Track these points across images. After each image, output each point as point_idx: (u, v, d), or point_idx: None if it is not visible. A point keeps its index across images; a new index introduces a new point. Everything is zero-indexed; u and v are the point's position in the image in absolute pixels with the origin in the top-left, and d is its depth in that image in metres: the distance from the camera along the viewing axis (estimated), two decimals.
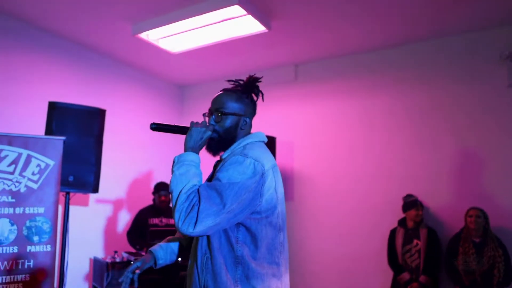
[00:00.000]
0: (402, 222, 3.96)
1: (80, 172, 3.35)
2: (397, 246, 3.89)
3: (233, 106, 1.69)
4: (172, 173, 1.54)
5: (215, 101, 1.70)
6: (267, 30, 3.94)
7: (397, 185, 4.30)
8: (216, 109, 1.68)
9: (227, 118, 1.67)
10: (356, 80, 4.77)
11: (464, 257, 3.58)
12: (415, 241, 3.81)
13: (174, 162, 1.56)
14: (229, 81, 1.79)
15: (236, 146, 1.67)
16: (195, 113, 5.94)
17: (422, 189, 4.15)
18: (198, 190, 1.47)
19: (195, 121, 1.67)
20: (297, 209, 4.98)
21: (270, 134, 4.73)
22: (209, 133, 1.63)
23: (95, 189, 3.45)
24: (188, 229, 1.41)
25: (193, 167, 1.53)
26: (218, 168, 1.59)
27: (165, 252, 1.80)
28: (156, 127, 1.61)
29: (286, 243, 1.68)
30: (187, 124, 1.70)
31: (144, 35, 4.17)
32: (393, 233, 4.00)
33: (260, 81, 1.79)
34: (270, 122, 5.19)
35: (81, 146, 3.37)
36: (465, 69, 4.16)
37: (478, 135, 4.02)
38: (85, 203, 4.34)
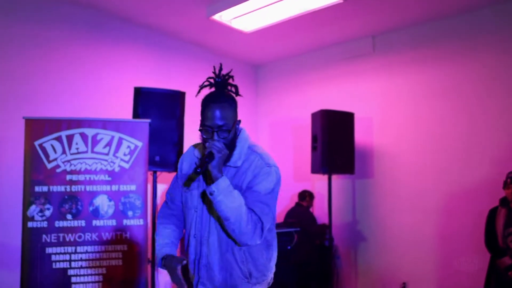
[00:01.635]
0: (504, 202, 3.67)
1: (164, 152, 3.71)
2: (498, 228, 3.63)
3: (232, 116, 1.81)
4: (218, 202, 1.62)
5: (218, 118, 1.72)
6: (342, 1, 3.97)
7: (492, 160, 4.15)
8: (220, 127, 1.72)
9: (231, 131, 1.77)
10: (439, 48, 4.61)
11: None
12: None
13: (213, 192, 1.62)
14: (201, 87, 1.91)
15: (242, 151, 1.82)
16: (271, 92, 6.14)
17: None
18: (252, 209, 1.69)
19: (212, 143, 1.69)
20: (377, 186, 5.00)
21: (347, 109, 4.76)
22: (226, 152, 1.71)
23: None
24: (256, 241, 1.72)
25: (234, 191, 1.66)
26: (242, 178, 1.76)
27: (175, 247, 1.94)
28: (200, 171, 1.62)
29: None
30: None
31: (217, 17, 4.42)
32: (493, 212, 3.73)
33: (231, 76, 1.90)
34: (347, 98, 5.22)
35: (164, 127, 3.71)
36: None
37: None
38: (169, 181, 4.77)
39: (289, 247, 4.09)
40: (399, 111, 4.88)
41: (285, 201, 5.62)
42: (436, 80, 4.62)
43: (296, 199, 5.23)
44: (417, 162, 4.69)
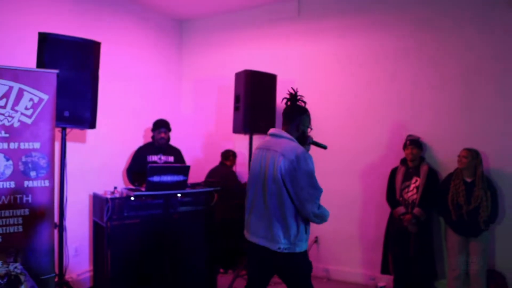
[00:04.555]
0: (403, 161, 3.97)
1: (76, 107, 3.19)
2: (397, 183, 3.91)
3: None
4: None
5: None
6: None
7: (400, 125, 4.20)
8: None
9: None
10: (363, 17, 4.46)
11: (454, 193, 3.61)
12: (414, 178, 3.83)
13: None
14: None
15: None
16: (195, 49, 5.64)
17: (425, 130, 4.06)
18: None
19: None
20: None
21: (270, 71, 4.52)
22: None
23: (92, 125, 3.31)
24: None
25: None
26: None
27: None
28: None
29: (251, 195, 2.57)
30: None
31: None
32: (394, 171, 4.01)
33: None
34: (270, 60, 4.95)
35: (76, 80, 3.18)
36: (477, 12, 3.91)
37: (485, 78, 3.87)
38: (82, 140, 4.22)
39: (208, 206, 3.86)
40: (320, 75, 4.72)
41: (208, 160, 5.33)
42: (355, 47, 4.51)
43: (218, 158, 4.97)
44: (335, 125, 4.62)
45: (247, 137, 4.56)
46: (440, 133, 4.03)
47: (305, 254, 2.42)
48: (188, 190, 3.66)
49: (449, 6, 4.02)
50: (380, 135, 4.34)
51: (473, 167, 3.60)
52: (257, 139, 4.98)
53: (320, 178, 4.60)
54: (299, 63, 4.86)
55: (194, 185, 3.92)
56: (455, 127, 3.97)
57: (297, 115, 2.49)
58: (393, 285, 3.92)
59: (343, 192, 4.53)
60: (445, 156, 3.97)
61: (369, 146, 4.41)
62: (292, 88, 2.55)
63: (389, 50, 4.33)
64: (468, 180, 3.61)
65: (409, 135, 3.95)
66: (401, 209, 3.81)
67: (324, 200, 4.73)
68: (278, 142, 2.42)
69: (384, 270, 3.99)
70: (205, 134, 5.55)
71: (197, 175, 5.30)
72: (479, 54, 3.89)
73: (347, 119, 4.55)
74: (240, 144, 5.10)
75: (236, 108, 4.46)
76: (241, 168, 5.03)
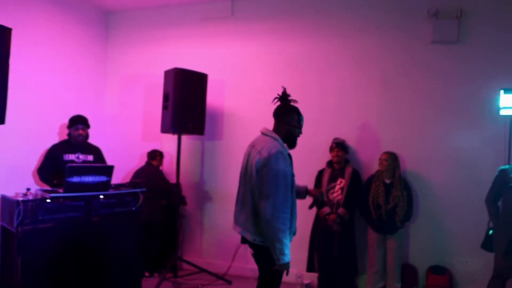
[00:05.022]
0: (329, 163, 4.09)
1: None
2: (323, 184, 4.02)
3: None
4: None
5: None
6: None
7: (327, 128, 4.33)
8: None
9: None
10: (295, 21, 4.56)
11: (374, 194, 3.81)
12: (339, 179, 3.96)
13: None
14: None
15: None
16: (123, 43, 5.33)
17: (350, 133, 4.24)
18: None
19: None
20: (225, 149, 4.84)
21: (201, 70, 4.43)
22: None
23: (1, 120, 2.96)
24: None
25: None
26: None
27: None
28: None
29: (238, 189, 2.67)
30: None
31: None
32: (320, 172, 4.12)
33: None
34: (201, 59, 4.85)
35: None
36: (396, 21, 4.18)
37: (404, 85, 4.14)
38: None
39: (134, 208, 3.66)
40: (252, 77, 4.72)
41: (134, 161, 5.08)
42: (287, 50, 4.58)
43: (145, 159, 4.75)
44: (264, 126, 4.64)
45: (175, 137, 4.41)
46: (364, 136, 4.24)
47: None
48: (111, 192, 3.43)
49: (371, 13, 4.25)
50: (308, 137, 4.41)
51: (392, 169, 3.83)
52: (186, 139, 4.86)
53: None
54: (231, 63, 4.82)
55: (119, 186, 3.69)
56: (377, 131, 4.20)
57: (282, 115, 2.61)
58: (318, 282, 4.03)
59: None
60: (368, 158, 4.18)
61: (297, 148, 4.43)
62: (282, 87, 2.71)
63: (318, 54, 4.46)
64: (387, 181, 3.83)
65: (335, 138, 4.09)
66: (326, 209, 3.93)
67: None
68: (263, 139, 2.54)
69: (310, 268, 4.09)
70: (132, 133, 5.27)
71: (122, 176, 5.02)
72: (398, 61, 4.16)
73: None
74: (168, 144, 4.93)
75: (164, 107, 4.30)
76: (169, 168, 4.86)
